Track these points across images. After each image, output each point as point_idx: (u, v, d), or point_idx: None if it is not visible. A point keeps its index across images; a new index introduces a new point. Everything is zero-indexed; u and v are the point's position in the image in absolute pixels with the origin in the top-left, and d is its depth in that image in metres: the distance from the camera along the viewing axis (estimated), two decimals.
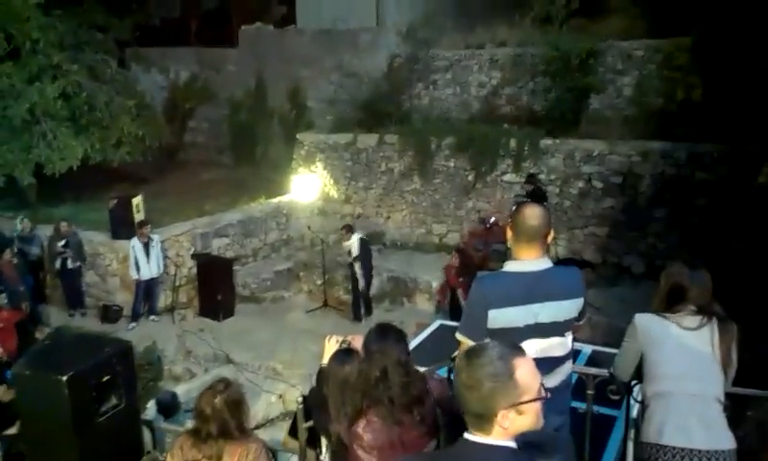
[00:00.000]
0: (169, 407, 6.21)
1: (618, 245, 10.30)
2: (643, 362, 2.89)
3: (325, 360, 2.88)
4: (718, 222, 9.17)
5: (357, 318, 10.11)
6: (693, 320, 2.81)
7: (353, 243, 9.88)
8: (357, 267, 9.94)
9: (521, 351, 1.77)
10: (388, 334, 2.52)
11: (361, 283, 10.06)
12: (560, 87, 11.29)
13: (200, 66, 16.43)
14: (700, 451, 2.68)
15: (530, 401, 1.68)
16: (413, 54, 13.25)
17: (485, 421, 1.68)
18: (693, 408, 2.73)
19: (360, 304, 10.20)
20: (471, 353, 1.74)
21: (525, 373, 1.69)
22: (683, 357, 2.78)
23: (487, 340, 1.89)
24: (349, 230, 10.07)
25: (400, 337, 2.54)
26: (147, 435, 3.48)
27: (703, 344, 2.78)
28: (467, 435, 1.75)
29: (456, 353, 2.57)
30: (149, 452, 3.55)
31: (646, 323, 2.88)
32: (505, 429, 1.67)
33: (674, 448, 2.72)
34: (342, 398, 2.62)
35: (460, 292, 8.95)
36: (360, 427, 2.37)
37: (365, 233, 10.71)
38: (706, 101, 10.17)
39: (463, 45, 13.43)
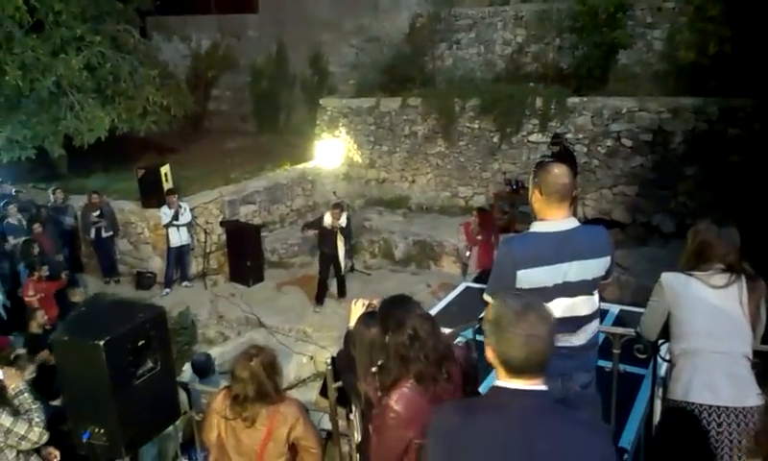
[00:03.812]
0: (204, 368, 6.35)
1: (648, 204, 10.12)
2: (670, 321, 2.88)
3: (352, 323, 2.93)
4: (751, 179, 8.94)
5: (321, 301, 9.64)
6: (721, 278, 2.78)
7: (343, 221, 9.63)
8: (341, 244, 9.64)
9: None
10: (406, 299, 2.54)
11: (345, 261, 9.84)
12: (587, 43, 11.00)
13: (221, 33, 16.37)
14: (728, 408, 2.69)
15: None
16: (435, 13, 13.00)
17: (538, 369, 1.75)
18: (720, 366, 2.72)
19: (326, 286, 9.77)
20: (529, 308, 1.75)
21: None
22: (710, 315, 2.76)
23: (517, 295, 1.90)
24: (342, 209, 9.79)
25: (415, 301, 2.55)
26: (183, 396, 3.59)
27: (731, 302, 2.75)
28: (500, 383, 1.80)
29: (483, 314, 2.59)
30: (185, 412, 3.68)
31: (673, 281, 2.85)
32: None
33: (701, 405, 2.72)
34: (368, 358, 2.66)
35: (475, 250, 8.99)
36: (393, 400, 2.32)
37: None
38: (739, 54, 9.81)
39: (486, 2, 13.13)
